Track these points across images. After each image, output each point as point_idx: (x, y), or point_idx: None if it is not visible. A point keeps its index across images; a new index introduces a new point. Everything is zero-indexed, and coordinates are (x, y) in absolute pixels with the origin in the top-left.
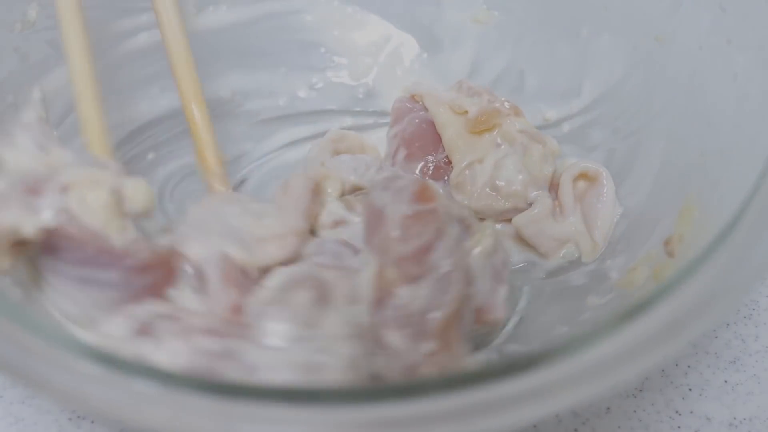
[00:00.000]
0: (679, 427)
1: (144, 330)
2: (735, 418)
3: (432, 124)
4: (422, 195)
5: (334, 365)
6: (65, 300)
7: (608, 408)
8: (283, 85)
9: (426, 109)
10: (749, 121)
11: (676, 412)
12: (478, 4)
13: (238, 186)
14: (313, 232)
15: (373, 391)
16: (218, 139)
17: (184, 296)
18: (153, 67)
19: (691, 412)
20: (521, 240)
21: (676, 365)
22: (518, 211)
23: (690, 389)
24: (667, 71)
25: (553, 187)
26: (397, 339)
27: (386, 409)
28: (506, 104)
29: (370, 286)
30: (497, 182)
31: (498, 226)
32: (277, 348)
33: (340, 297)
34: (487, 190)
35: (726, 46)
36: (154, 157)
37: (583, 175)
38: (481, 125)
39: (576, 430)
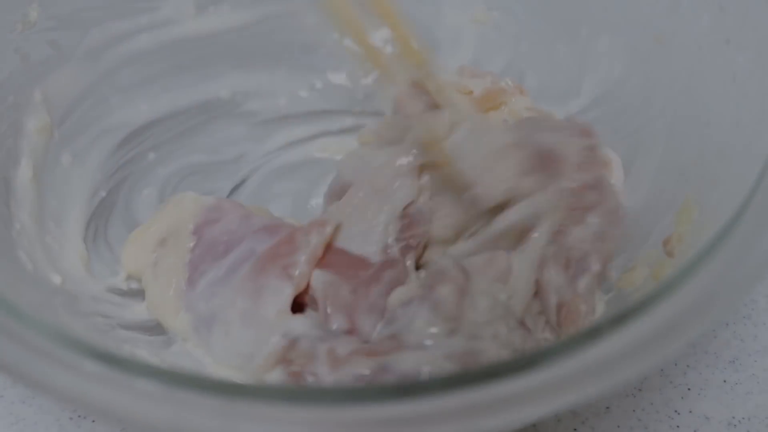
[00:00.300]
0: (678, 426)
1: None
2: (734, 418)
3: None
4: (587, 131)
5: (489, 348)
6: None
7: (608, 408)
8: (283, 86)
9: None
10: (748, 121)
11: (675, 411)
12: (478, 4)
13: (237, 187)
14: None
15: (373, 391)
16: (218, 139)
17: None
18: (153, 67)
19: (690, 412)
20: None
21: (675, 365)
22: None
23: (689, 389)
24: (666, 71)
25: None
26: (556, 274)
27: (386, 409)
28: (510, 83)
29: (548, 228)
30: None
31: None
32: (430, 347)
33: (485, 281)
34: None
35: (725, 46)
36: (154, 157)
37: None
38: (488, 103)
39: (575, 429)
